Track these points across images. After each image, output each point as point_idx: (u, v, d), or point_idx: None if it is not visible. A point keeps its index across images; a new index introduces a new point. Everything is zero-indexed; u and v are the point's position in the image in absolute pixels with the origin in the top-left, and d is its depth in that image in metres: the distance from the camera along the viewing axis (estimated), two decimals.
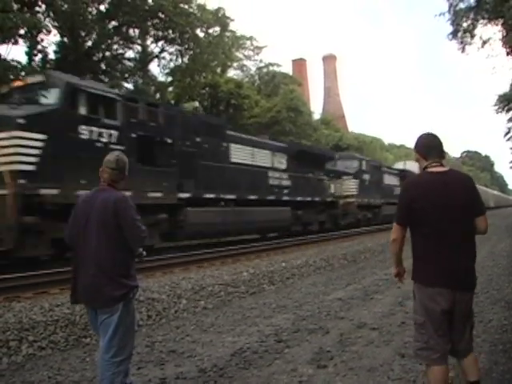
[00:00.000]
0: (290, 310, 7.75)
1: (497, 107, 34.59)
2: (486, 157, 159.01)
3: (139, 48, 30.69)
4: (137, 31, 28.63)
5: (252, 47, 47.72)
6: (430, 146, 3.72)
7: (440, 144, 3.72)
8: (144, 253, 4.19)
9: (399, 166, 46.22)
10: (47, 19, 23.75)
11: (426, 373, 3.60)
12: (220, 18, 35.63)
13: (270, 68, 50.65)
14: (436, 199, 3.48)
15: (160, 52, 31.70)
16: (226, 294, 9.09)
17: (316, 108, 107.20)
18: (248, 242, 18.31)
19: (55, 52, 25.60)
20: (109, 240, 3.77)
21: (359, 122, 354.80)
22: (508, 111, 33.71)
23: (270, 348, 5.61)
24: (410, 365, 4.82)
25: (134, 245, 3.86)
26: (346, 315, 7.15)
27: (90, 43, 26.26)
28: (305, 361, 5.10)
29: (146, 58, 31.05)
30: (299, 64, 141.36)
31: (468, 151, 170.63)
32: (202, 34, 31.68)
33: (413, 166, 39.95)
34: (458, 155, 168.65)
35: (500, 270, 11.09)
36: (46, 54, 24.78)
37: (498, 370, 4.26)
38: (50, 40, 24.73)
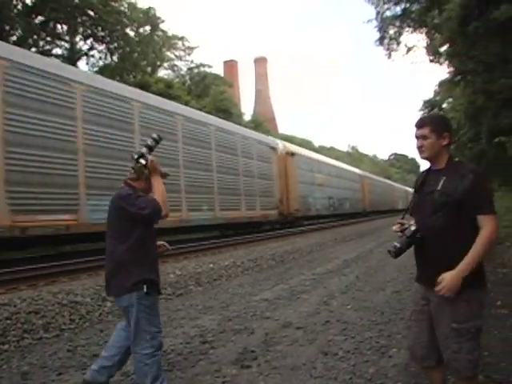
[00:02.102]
0: (216, 311, 7.74)
1: (422, 112, 35.99)
2: (412, 159, 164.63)
3: (67, 45, 30.02)
4: (65, 28, 27.96)
5: (183, 47, 47.66)
6: None
7: None
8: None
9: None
10: None
11: None
12: (151, 18, 35.37)
13: (201, 69, 50.73)
14: None
15: (89, 50, 31.17)
16: None
17: (247, 110, 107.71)
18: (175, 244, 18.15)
19: None
20: (113, 230, 3.98)
21: (290, 124, 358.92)
22: None
23: (195, 349, 5.59)
24: (332, 362, 4.91)
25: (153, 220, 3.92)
26: (271, 315, 7.21)
27: (14, 38, 25.39)
28: (229, 361, 5.10)
29: (74, 55, 30.38)
30: (230, 65, 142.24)
31: (396, 154, 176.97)
32: (132, 33, 31.37)
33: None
34: (386, 158, 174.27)
35: None
36: None
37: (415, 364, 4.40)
38: None
